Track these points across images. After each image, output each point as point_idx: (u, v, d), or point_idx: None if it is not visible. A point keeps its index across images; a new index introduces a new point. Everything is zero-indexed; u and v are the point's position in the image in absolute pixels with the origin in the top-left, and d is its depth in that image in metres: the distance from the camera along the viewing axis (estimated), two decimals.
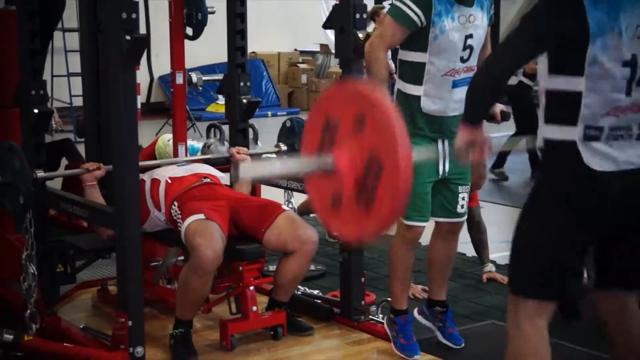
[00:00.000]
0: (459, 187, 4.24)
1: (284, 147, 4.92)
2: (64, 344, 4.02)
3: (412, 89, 4.07)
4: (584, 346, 4.04)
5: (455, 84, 4.08)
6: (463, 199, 4.27)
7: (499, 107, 4.42)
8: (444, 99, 4.08)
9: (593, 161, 2.69)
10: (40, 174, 4.18)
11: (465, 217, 4.36)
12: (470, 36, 4.08)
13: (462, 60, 4.09)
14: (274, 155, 4.98)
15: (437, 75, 4.04)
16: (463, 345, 4.25)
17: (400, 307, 4.20)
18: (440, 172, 4.13)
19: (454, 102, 4.04)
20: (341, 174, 2.67)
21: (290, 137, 4.95)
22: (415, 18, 3.96)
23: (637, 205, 2.78)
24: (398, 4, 4.01)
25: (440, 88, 4.05)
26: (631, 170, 2.73)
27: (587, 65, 2.65)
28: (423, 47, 4.00)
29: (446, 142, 4.10)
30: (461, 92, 3.99)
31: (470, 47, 4.08)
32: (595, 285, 2.95)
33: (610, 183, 2.71)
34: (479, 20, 4.11)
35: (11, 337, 3.95)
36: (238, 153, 4.71)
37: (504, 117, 4.43)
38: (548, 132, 2.80)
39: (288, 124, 5.00)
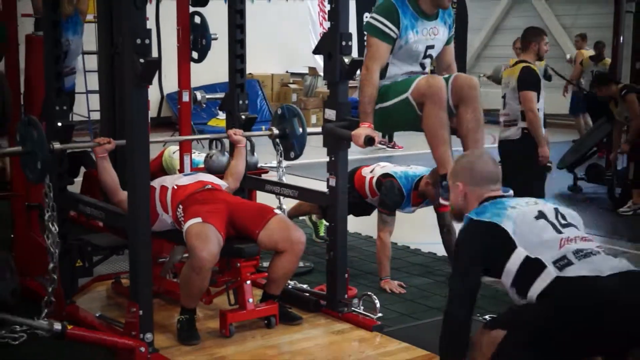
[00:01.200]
0: None
1: (276, 131, 4.93)
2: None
3: None
4: None
5: None
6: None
7: None
8: None
9: (581, 272, 2.65)
10: (57, 145, 4.15)
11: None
12: (432, 47, 4.18)
13: (422, 67, 4.17)
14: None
15: (397, 73, 4.15)
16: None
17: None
18: None
19: None
20: None
21: (282, 123, 4.96)
22: (392, 33, 4.04)
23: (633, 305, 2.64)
24: (374, 22, 4.07)
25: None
26: (618, 274, 2.66)
27: (515, 238, 2.76)
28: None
29: None
30: None
31: (430, 56, 4.19)
32: None
33: (595, 285, 2.63)
34: (440, 34, 4.20)
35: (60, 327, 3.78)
36: (235, 135, 4.74)
37: None
38: (532, 294, 2.73)
39: (279, 111, 5.02)
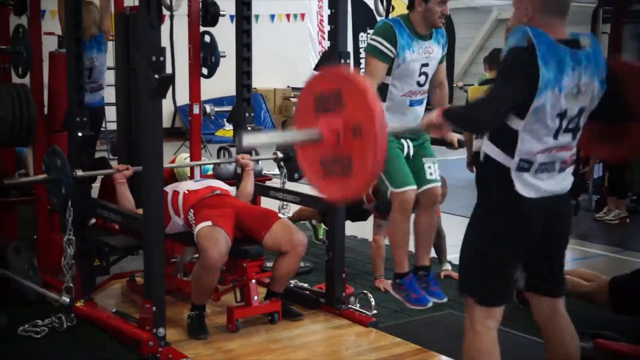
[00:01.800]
0: (422, 159, 4.19)
1: (280, 155, 4.93)
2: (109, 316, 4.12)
3: None
4: (531, 334, 4.00)
5: (412, 103, 4.17)
6: (429, 167, 4.18)
7: (456, 136, 4.43)
8: (404, 114, 4.14)
9: (521, 188, 2.71)
10: (80, 172, 4.17)
11: (439, 184, 4.21)
12: (426, 65, 4.15)
13: (419, 84, 4.16)
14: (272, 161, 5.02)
15: (397, 95, 4.12)
16: (446, 300, 4.18)
17: (403, 271, 4.10)
18: (406, 152, 4.15)
19: (411, 117, 4.12)
20: (326, 143, 2.67)
21: (285, 147, 4.90)
22: (389, 53, 4.02)
23: (552, 224, 2.81)
24: (374, 43, 4.06)
25: (400, 106, 4.12)
26: (549, 197, 2.77)
27: (529, 114, 2.64)
28: (388, 72, 4.06)
29: (408, 140, 4.16)
30: (417, 110, 4.19)
31: (426, 74, 4.16)
32: (525, 289, 2.97)
33: (531, 206, 2.74)
34: (434, 53, 4.17)
35: (68, 300, 4.08)
36: (242, 159, 4.73)
37: (460, 144, 4.45)
38: (490, 149, 2.78)
39: None
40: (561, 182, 2.82)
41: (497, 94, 2.69)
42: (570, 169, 2.86)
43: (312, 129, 2.72)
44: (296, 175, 4.92)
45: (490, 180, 2.82)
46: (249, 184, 4.68)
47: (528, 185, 2.72)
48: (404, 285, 4.10)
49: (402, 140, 4.16)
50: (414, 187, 4.05)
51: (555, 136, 2.72)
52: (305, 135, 2.77)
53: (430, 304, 4.08)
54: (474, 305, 2.83)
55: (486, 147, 2.80)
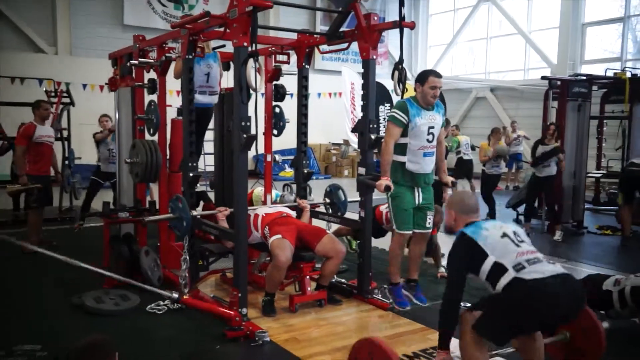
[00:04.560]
0: (427, 211, 4.26)
1: (327, 200, 4.95)
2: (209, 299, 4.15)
3: (401, 158, 4.20)
4: None
5: (425, 154, 4.22)
6: (429, 218, 4.27)
7: (449, 178, 4.44)
8: (419, 162, 4.18)
9: (528, 276, 2.59)
10: (194, 212, 4.21)
11: (431, 229, 4.35)
12: (432, 127, 4.21)
13: (428, 141, 4.21)
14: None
15: (413, 149, 4.16)
16: (427, 304, 4.28)
17: (396, 281, 4.30)
18: (417, 202, 4.21)
19: (424, 165, 4.20)
20: None
21: (330, 196, 5.00)
22: (403, 120, 4.10)
23: (568, 300, 2.63)
24: (393, 113, 4.17)
25: (416, 156, 4.20)
26: (554, 275, 2.62)
27: (487, 251, 2.67)
28: (405, 134, 4.15)
29: (419, 189, 4.23)
30: (429, 159, 4.24)
31: (432, 134, 4.23)
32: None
33: (541, 283, 2.57)
34: (437, 119, 4.24)
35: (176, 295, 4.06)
36: (302, 203, 4.79)
37: (454, 184, 4.45)
38: (499, 287, 2.63)
39: (328, 189, 5.05)
40: (555, 266, 2.67)
41: (452, 281, 2.75)
42: (556, 264, 2.72)
43: None
44: (339, 214, 4.95)
45: (507, 288, 2.62)
46: (305, 219, 4.72)
47: (531, 273, 2.59)
48: (394, 291, 4.28)
49: (415, 189, 4.21)
50: (411, 231, 4.20)
51: (517, 245, 2.70)
52: None
53: (409, 307, 4.19)
54: (476, 335, 2.69)
55: (497, 290, 2.65)
